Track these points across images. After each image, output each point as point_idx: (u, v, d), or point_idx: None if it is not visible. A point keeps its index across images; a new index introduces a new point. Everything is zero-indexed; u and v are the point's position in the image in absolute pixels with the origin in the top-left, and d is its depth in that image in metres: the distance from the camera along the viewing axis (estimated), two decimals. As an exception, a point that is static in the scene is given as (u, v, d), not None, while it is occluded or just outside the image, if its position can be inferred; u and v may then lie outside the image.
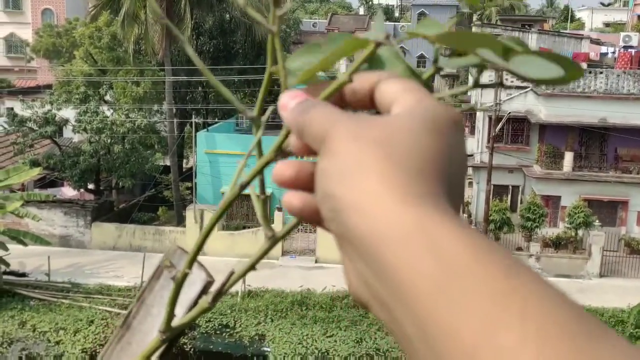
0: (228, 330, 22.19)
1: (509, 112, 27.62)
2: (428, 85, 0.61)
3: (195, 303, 0.68)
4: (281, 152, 0.60)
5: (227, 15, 35.66)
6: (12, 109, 32.60)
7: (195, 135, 30.13)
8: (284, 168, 0.56)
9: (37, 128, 29.33)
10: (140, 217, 29.87)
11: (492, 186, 27.35)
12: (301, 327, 21.99)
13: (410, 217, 0.44)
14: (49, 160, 28.83)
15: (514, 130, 29.78)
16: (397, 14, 75.26)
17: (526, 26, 39.93)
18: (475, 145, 31.34)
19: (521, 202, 29.11)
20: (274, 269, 26.10)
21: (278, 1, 0.58)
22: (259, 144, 0.63)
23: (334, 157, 0.50)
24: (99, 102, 30.56)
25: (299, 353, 21.13)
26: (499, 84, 0.80)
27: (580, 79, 0.52)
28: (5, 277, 24.01)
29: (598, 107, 27.46)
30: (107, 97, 32.98)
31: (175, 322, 0.64)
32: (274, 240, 0.62)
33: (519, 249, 26.95)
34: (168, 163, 32.38)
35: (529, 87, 28.90)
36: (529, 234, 26.84)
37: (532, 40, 32.08)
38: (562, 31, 41.28)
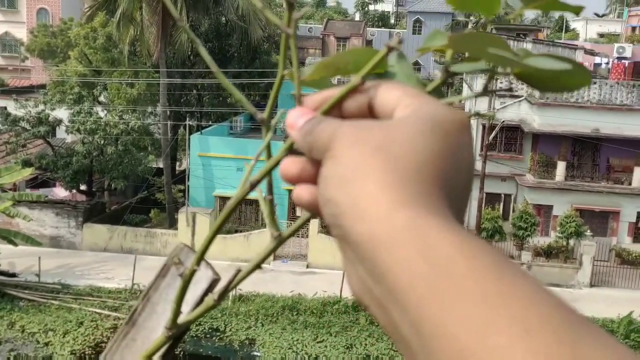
0: (218, 334, 22.14)
1: (503, 121, 27.71)
2: (440, 94, 0.62)
3: (201, 301, 0.68)
4: (292, 153, 0.61)
5: (223, 19, 35.65)
6: (5, 108, 32.45)
7: (189, 138, 30.09)
8: (290, 164, 0.58)
9: (30, 128, 29.23)
10: (132, 219, 29.78)
11: (484, 194, 27.41)
12: (291, 332, 21.97)
13: (404, 219, 0.45)
14: (42, 161, 28.72)
15: (507, 138, 29.88)
16: (392, 21, 75.41)
17: (521, 35, 40.07)
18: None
19: (513, 211, 29.18)
20: (266, 273, 26.06)
21: (292, 4, 0.58)
22: (268, 146, 0.64)
23: (335, 162, 0.51)
24: (92, 103, 30.48)
25: (289, 358, 21.10)
26: (509, 90, 0.81)
27: (587, 85, 0.53)
28: (-5, 277, 23.90)
29: (591, 117, 27.59)
30: (101, 98, 32.91)
31: (181, 319, 0.65)
32: (280, 239, 0.63)
33: (511, 257, 26.89)
34: (161, 165, 32.31)
35: (522, 96, 29.01)
36: (520, 242, 26.90)
37: (527, 49, 32.16)
38: (556, 41, 41.48)
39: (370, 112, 0.57)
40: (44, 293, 23.59)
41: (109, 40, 32.49)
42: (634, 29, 48.03)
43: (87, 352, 20.59)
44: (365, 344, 21.48)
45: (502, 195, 30.37)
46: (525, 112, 29.34)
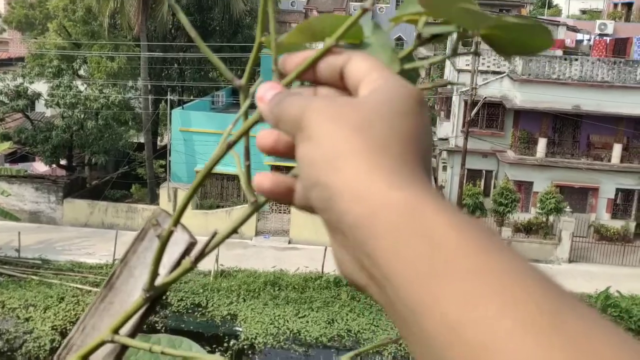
0: (200, 309, 22.23)
1: (485, 97, 27.76)
2: (411, 59, 0.64)
3: (178, 264, 0.68)
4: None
5: (205, -8, 35.22)
6: (-18, 81, 31.97)
7: (170, 113, 29.89)
8: (265, 134, 0.60)
9: (8, 101, 28.87)
10: (113, 194, 29.65)
11: (466, 170, 27.54)
12: (273, 308, 22.10)
13: (400, 200, 0.46)
14: (20, 135, 28.42)
15: (489, 115, 29.97)
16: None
17: (504, 11, 40.06)
18: (451, 129, 31.51)
19: (494, 187, 29.38)
20: (247, 248, 26.12)
21: None
22: (245, 113, 0.65)
23: (316, 143, 0.51)
24: (72, 77, 30.12)
25: (270, 333, 21.25)
26: (475, 53, 0.82)
27: (549, 47, 0.55)
28: (-26, 252, 23.75)
29: (572, 94, 27.72)
30: (81, 72, 32.51)
31: (159, 281, 0.66)
32: (256, 205, 0.65)
33: (491, 233, 27.22)
34: (142, 140, 32.10)
35: (504, 72, 29.05)
36: (501, 218, 27.14)
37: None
38: (539, 17, 41.50)
39: (340, 80, 0.58)
40: (24, 268, 23.51)
41: (89, 13, 32.04)
42: (615, 5, 48.17)
43: (68, 328, 20.58)
44: (347, 319, 21.68)
45: (484, 172, 30.54)
46: (507, 88, 29.41)
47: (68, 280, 22.65)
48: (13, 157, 31.20)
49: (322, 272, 23.86)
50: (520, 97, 28.47)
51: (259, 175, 0.59)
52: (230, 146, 0.63)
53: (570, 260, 26.28)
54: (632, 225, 28.26)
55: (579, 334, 0.39)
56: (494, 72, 29.43)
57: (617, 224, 27.99)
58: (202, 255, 0.65)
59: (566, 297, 0.42)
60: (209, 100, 34.21)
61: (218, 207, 27.62)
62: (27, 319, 21.17)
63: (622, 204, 28.80)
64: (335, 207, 0.49)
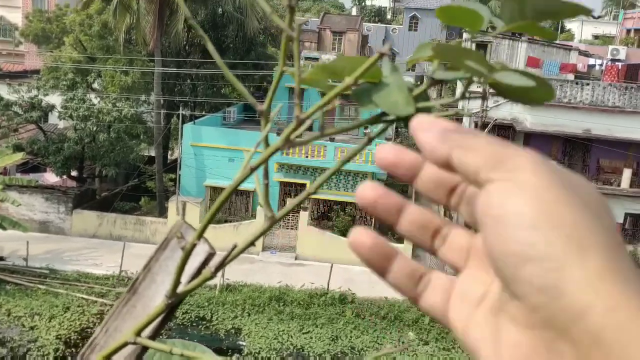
0: (204, 322, 22.19)
1: (495, 119, 27.78)
2: (426, 98, 0.70)
3: (197, 273, 0.73)
4: (289, 142, 0.66)
5: (220, 9, 35.61)
6: (-2, 92, 32.33)
7: (182, 127, 30.09)
8: (388, 150, 0.59)
9: (22, 113, 29.16)
10: (122, 206, 29.77)
11: (474, 191, 27.41)
12: (278, 323, 22.03)
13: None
14: (33, 146, 28.66)
15: (499, 137, 29.72)
16: (389, 17, 75.38)
17: (516, 35, 40.12)
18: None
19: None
20: (254, 263, 26.11)
21: (293, 8, 0.63)
22: (266, 137, 0.68)
23: (531, 196, 0.44)
24: (86, 90, 30.42)
25: (274, 348, 21.17)
26: (483, 97, 0.87)
27: (550, 100, 0.60)
28: (-18, 260, 23.88)
29: (583, 118, 27.68)
30: (95, 85, 32.84)
31: (180, 289, 0.70)
32: (273, 220, 0.70)
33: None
34: (153, 154, 32.28)
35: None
36: (508, 240, 26.96)
37: (522, 49, 32.30)
38: (552, 42, 41.49)
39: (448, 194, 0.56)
40: (31, 277, 23.58)
41: (105, 28, 32.40)
42: (628, 31, 48.15)
43: (72, 337, 20.60)
44: (351, 337, 21.57)
45: (492, 193, 30.43)
46: (517, 111, 29.42)
47: (74, 290, 22.68)
48: (25, 168, 31.42)
49: (328, 288, 23.80)
50: (530, 119, 28.48)
51: (365, 184, 0.59)
52: (253, 170, 0.69)
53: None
54: (642, 250, 28.04)
55: None
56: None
57: (627, 249, 27.73)
58: (221, 265, 0.69)
59: None
60: (221, 116, 34.44)
61: (226, 221, 27.67)
62: (32, 328, 21.19)
63: (631, 228, 28.60)
64: (565, 302, 0.41)
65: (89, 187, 30.83)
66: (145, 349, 0.72)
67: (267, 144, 0.69)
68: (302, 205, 28.88)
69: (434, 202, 0.60)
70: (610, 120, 27.73)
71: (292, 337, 21.46)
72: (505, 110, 29.42)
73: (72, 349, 20.26)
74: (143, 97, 32.83)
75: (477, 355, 0.48)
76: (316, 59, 39.31)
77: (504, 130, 29.84)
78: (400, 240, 27.28)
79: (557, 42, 43.64)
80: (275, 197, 28.87)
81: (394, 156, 0.58)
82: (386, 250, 0.57)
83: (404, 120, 0.66)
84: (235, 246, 0.67)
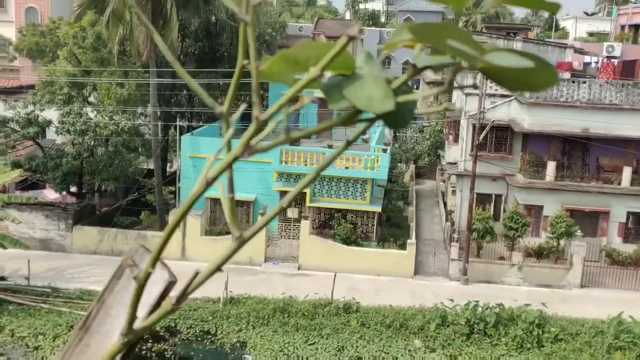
0: (209, 337, 22.10)
1: (493, 120, 27.72)
2: (408, 90, 0.60)
3: (158, 304, 0.65)
4: (249, 148, 0.59)
5: (213, 18, 35.49)
6: (-7, 109, 32.17)
7: (180, 139, 29.97)
8: None
9: (19, 129, 29.01)
10: (123, 221, 29.64)
11: (475, 195, 27.43)
12: (283, 335, 21.95)
13: None
14: (31, 162, 28.51)
15: (497, 138, 29.90)
16: (383, 20, 75.29)
17: (511, 34, 40.12)
18: (459, 153, 31.45)
19: (504, 211, 29.22)
20: (257, 275, 26.02)
21: None
22: (228, 142, 0.62)
23: None
24: (82, 104, 30.28)
25: (280, 361, 21.08)
26: (474, 86, 0.79)
27: (555, 85, 0.50)
28: (-17, 281, 23.74)
29: (581, 116, 27.63)
30: (91, 99, 32.68)
31: (137, 325, 0.62)
32: (241, 241, 0.61)
33: (502, 258, 27.03)
34: (152, 166, 32.15)
35: (512, 96, 29.01)
36: (511, 243, 26.94)
37: (517, 48, 32.17)
38: (546, 40, 41.50)
39: None
40: (34, 297, 23.46)
41: (98, 40, 32.24)
42: (623, 27, 48.13)
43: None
44: (357, 346, 21.49)
45: (493, 196, 30.41)
46: (515, 111, 29.37)
47: (77, 308, 22.58)
48: (24, 185, 31.27)
49: (332, 298, 23.71)
50: (528, 120, 28.43)
51: None
52: (209, 184, 0.60)
53: (582, 285, 26.01)
54: (645, 248, 27.96)
55: None
56: (502, 96, 29.40)
57: (629, 248, 27.70)
58: (183, 295, 0.62)
59: None
60: (218, 126, 34.31)
61: (227, 233, 27.56)
62: (36, 348, 21.11)
63: (634, 227, 28.54)
64: None
65: (89, 203, 30.71)
66: None
67: (229, 150, 0.61)
68: (303, 215, 28.79)
69: None
70: (608, 118, 27.68)
71: (297, 348, 21.39)
72: (503, 111, 29.35)
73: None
74: (140, 110, 32.68)
75: None
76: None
77: (502, 132, 29.79)
78: (403, 246, 27.22)
79: (552, 40, 43.64)
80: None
81: None
82: None
83: (384, 118, 0.56)
84: (197, 273, 0.60)
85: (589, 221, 28.26)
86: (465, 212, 28.33)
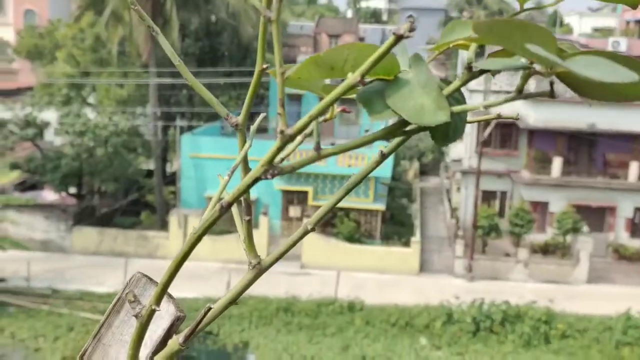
0: (211, 337, 21.82)
1: (498, 117, 27.31)
2: (462, 99, 0.55)
3: (163, 342, 0.55)
4: (272, 168, 0.53)
5: (213, 17, 35.24)
6: (-8, 111, 31.96)
7: (180, 139, 29.69)
8: None
9: (18, 131, 28.79)
10: (123, 221, 29.37)
11: (480, 191, 27.09)
12: (286, 334, 21.66)
13: None
14: (30, 164, 28.29)
15: (502, 135, 29.55)
16: (385, 18, 75.08)
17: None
18: (464, 150, 31.08)
19: (509, 208, 28.89)
20: (259, 274, 25.69)
21: None
22: (245, 158, 0.54)
23: None
24: (81, 105, 30.04)
25: (283, 361, 20.76)
26: (550, 94, 0.59)
27: None
28: (-18, 283, 23.52)
29: (587, 112, 27.30)
30: (90, 100, 32.44)
31: None
32: (259, 270, 0.58)
33: (507, 254, 26.73)
34: (152, 167, 31.90)
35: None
36: (517, 239, 26.62)
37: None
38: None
39: None
40: (34, 298, 23.24)
41: (97, 41, 32.02)
42: (628, 23, 47.76)
43: (77, 358, 20.19)
44: (362, 345, 21.17)
45: (498, 193, 30.06)
46: (520, 107, 29.01)
47: (78, 309, 22.36)
48: (23, 187, 31.03)
49: (336, 297, 23.41)
50: (534, 116, 28.09)
51: None
52: (225, 209, 0.55)
53: (588, 281, 25.66)
54: (652, 244, 27.64)
55: None
56: (507, 92, 29.06)
57: (637, 244, 27.39)
58: (193, 333, 0.54)
59: None
60: (219, 126, 34.02)
61: (228, 232, 27.22)
62: (36, 350, 20.88)
63: (642, 223, 28.22)
64: None
65: (89, 204, 30.43)
66: None
67: (246, 168, 0.57)
68: (305, 213, 28.49)
69: None
70: (614, 113, 27.34)
71: (301, 348, 21.06)
72: (508, 107, 28.99)
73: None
74: (139, 110, 32.43)
75: None
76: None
77: (507, 128, 29.45)
78: (407, 244, 26.91)
79: (557, 36, 43.14)
80: (278, 206, 28.43)
81: None
82: None
83: (433, 131, 0.52)
84: (209, 308, 0.56)
85: (595, 217, 27.93)
86: (470, 209, 27.99)
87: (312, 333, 21.68)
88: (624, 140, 27.37)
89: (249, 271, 0.46)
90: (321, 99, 0.48)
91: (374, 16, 72.21)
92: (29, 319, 22.06)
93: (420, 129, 0.49)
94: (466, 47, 0.51)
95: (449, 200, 33.70)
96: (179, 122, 29.81)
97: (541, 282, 25.54)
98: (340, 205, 28.17)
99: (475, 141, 29.04)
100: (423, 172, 40.98)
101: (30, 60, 37.83)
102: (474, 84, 30.14)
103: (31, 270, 24.16)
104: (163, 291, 0.51)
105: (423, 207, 33.69)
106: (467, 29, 0.49)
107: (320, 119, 0.48)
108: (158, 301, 0.50)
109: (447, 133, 0.55)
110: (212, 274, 24.92)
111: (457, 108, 0.49)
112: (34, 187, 31.10)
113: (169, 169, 36.89)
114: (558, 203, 27.55)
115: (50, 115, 29.48)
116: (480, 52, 0.53)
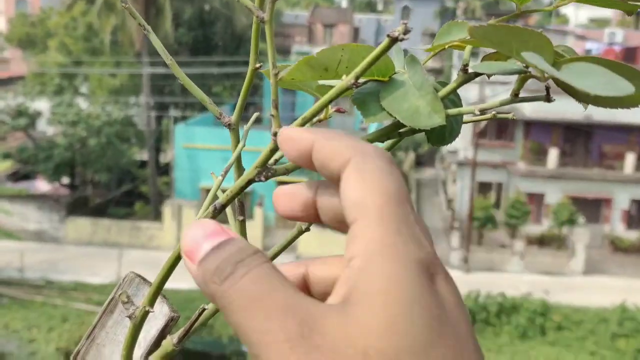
0: (206, 328, 21.72)
1: (494, 113, 27.25)
2: (458, 101, 0.56)
3: (157, 343, 0.56)
4: (266, 170, 0.53)
5: (207, 6, 34.97)
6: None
7: (174, 129, 29.47)
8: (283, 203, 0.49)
9: (9, 120, 28.52)
10: (117, 212, 29.19)
11: (476, 183, 27.03)
12: (282, 326, 21.56)
13: None
14: (22, 154, 28.05)
15: (498, 126, 29.49)
16: (380, 7, 74.83)
17: (510, 22, 39.49)
18: (460, 141, 30.99)
19: (505, 199, 28.87)
20: (254, 266, 25.60)
21: None
22: (238, 159, 0.54)
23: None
24: (74, 94, 29.78)
25: (279, 353, 20.70)
26: (546, 99, 0.61)
27: None
28: (-25, 274, 23.35)
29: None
30: (83, 89, 32.16)
31: None
32: None
33: (503, 246, 26.72)
34: (145, 157, 31.69)
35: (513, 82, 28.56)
36: (513, 231, 26.62)
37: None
38: (546, 26, 41.14)
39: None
40: (27, 289, 23.10)
41: (90, 30, 31.72)
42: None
43: (72, 349, 19.98)
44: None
45: (494, 184, 30.02)
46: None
47: (72, 300, 22.25)
48: (15, 177, 30.80)
49: (332, 288, 23.34)
50: (530, 107, 27.99)
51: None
52: (219, 212, 0.54)
53: (584, 273, 25.68)
54: (648, 236, 27.71)
55: None
56: (503, 83, 28.96)
57: (633, 235, 27.45)
58: (187, 334, 0.55)
59: None
60: (213, 116, 33.84)
61: (223, 223, 27.07)
62: (30, 341, 20.81)
63: (638, 214, 28.26)
64: None
65: (82, 194, 30.23)
66: None
67: (239, 170, 0.58)
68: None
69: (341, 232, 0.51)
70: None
71: (297, 340, 20.99)
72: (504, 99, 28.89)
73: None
74: (132, 100, 32.18)
75: None
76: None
77: (503, 119, 29.27)
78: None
79: (553, 26, 43.24)
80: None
81: (290, 208, 0.49)
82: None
83: (429, 133, 0.53)
84: (203, 309, 0.57)
85: (591, 208, 27.94)
86: (466, 201, 27.94)
87: (308, 324, 21.62)
88: (620, 132, 27.35)
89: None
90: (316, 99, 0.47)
91: (369, 6, 71.97)
92: (23, 309, 21.93)
93: (415, 131, 0.49)
94: (462, 48, 0.50)
95: (445, 191, 33.66)
96: (173, 112, 29.58)
97: (537, 273, 25.54)
98: (335, 196, 28.00)
99: (471, 132, 28.95)
100: (419, 163, 40.90)
101: (22, 49, 37.49)
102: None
103: (24, 261, 23.96)
104: (157, 292, 0.50)
105: (419, 198, 33.64)
106: (463, 31, 0.48)
107: (314, 119, 0.47)
108: (152, 302, 0.49)
109: (443, 135, 0.55)
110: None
111: (452, 111, 0.50)
112: (26, 177, 30.87)
113: (163, 159, 36.67)
114: (554, 195, 27.54)
115: (42, 104, 29.21)
116: (477, 52, 0.50)
